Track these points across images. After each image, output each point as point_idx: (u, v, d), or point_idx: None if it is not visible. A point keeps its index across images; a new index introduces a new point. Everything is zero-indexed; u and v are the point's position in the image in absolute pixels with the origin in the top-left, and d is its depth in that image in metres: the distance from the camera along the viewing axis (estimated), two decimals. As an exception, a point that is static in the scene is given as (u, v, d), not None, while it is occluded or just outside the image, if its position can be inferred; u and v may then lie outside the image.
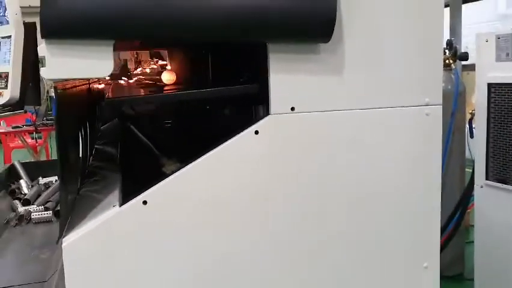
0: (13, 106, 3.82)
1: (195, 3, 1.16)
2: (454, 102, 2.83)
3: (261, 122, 1.32)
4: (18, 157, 5.28)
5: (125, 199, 1.27)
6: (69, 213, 1.33)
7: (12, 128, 4.64)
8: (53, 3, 1.08)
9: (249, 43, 1.35)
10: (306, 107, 1.34)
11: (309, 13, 1.21)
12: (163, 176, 1.29)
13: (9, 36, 3.54)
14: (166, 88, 1.57)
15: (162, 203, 1.25)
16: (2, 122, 5.19)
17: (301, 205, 1.37)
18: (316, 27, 1.24)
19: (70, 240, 1.20)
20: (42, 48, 1.14)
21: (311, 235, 1.39)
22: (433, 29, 1.41)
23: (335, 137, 1.37)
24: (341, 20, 1.31)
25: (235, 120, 1.70)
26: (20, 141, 5.30)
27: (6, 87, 3.66)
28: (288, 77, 1.32)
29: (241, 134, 1.31)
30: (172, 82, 1.59)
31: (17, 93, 3.74)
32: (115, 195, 1.41)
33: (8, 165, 2.76)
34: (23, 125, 4.56)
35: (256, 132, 1.32)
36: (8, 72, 3.64)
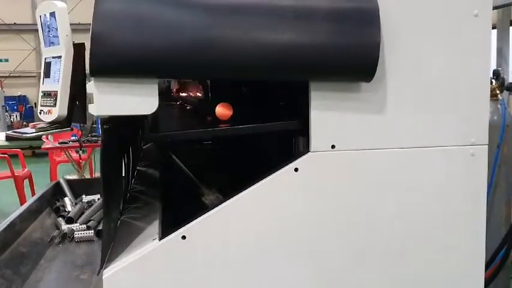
0: (61, 123, 3.96)
1: (238, 44, 1.18)
2: (501, 135, 2.75)
3: (301, 159, 1.32)
4: (63, 171, 5.46)
5: (164, 233, 1.29)
6: (111, 242, 1.36)
7: (59, 143, 4.81)
8: (103, 43, 1.12)
9: (291, 82, 1.36)
10: (347, 145, 1.33)
11: (351, 54, 1.21)
12: (203, 207, 1.31)
13: (60, 57, 3.68)
14: (210, 119, 1.54)
15: (201, 238, 1.27)
16: (50, 137, 5.38)
17: (340, 245, 1.35)
18: (358, 68, 1.24)
19: (110, 272, 1.23)
20: (91, 85, 1.18)
21: (350, 276, 1.37)
22: (480, 67, 1.38)
23: (375, 176, 1.35)
24: (384, 59, 1.30)
25: (276, 152, 1.70)
26: (65, 156, 5.48)
27: (54, 105, 3.79)
28: (329, 115, 1.32)
29: (281, 171, 1.31)
30: (226, 118, 1.45)
31: (64, 112, 3.87)
32: (155, 226, 1.43)
33: (54, 182, 2.85)
34: (69, 141, 4.73)
35: (296, 170, 1.31)
36: (57, 91, 3.78)
